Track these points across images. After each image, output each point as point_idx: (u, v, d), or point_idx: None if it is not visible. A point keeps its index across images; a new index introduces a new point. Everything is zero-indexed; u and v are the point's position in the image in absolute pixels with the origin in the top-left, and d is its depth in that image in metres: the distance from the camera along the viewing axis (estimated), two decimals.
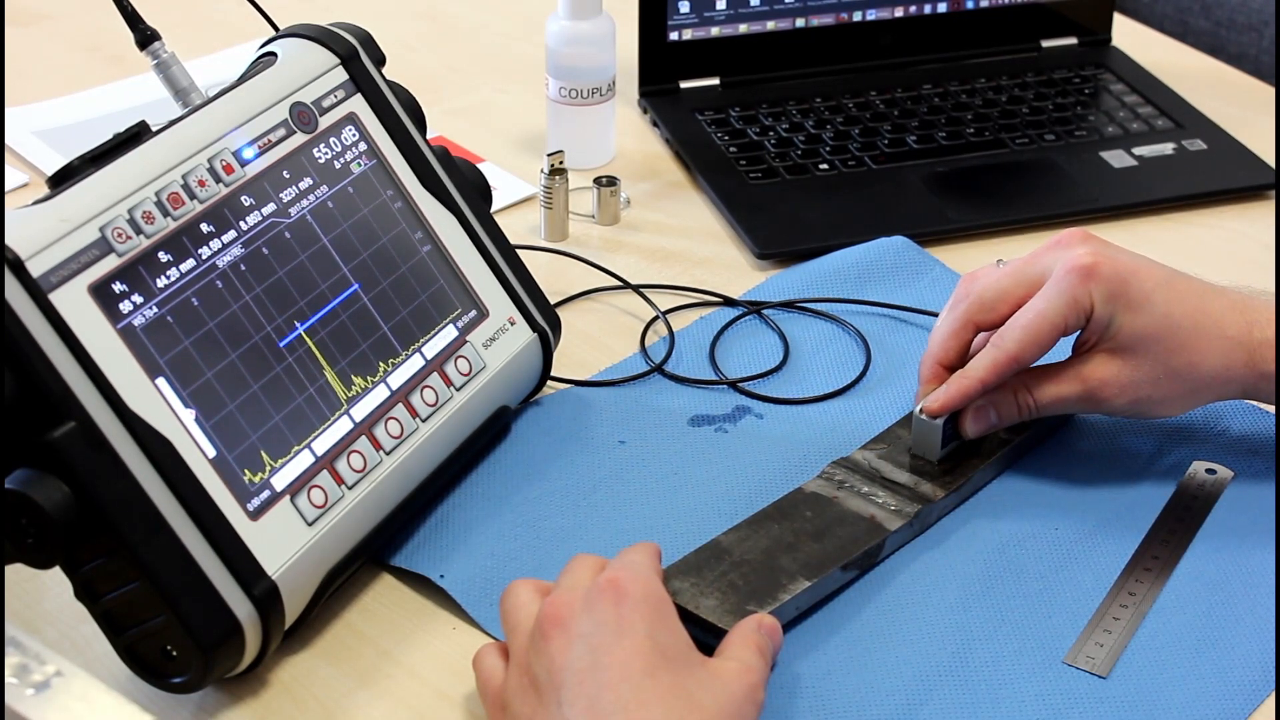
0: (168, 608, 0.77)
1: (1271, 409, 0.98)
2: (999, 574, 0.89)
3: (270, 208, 0.87)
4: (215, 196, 0.85)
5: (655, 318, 1.10)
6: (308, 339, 0.86)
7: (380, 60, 0.96)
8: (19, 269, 0.75)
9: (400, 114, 0.96)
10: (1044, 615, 0.86)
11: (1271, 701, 0.82)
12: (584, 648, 0.74)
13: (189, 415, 0.79)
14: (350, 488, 0.85)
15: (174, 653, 0.78)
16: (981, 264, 0.98)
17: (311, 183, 0.90)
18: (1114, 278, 0.89)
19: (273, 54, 0.93)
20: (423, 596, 0.88)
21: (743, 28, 1.37)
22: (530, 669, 0.75)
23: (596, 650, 0.74)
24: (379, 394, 0.88)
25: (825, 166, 1.26)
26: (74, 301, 0.77)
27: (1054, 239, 0.93)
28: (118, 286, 0.79)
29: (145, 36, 0.96)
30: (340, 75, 0.93)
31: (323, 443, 0.85)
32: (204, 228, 0.84)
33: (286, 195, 0.88)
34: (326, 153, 0.91)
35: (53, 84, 1.39)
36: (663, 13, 1.34)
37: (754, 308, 1.10)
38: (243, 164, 0.87)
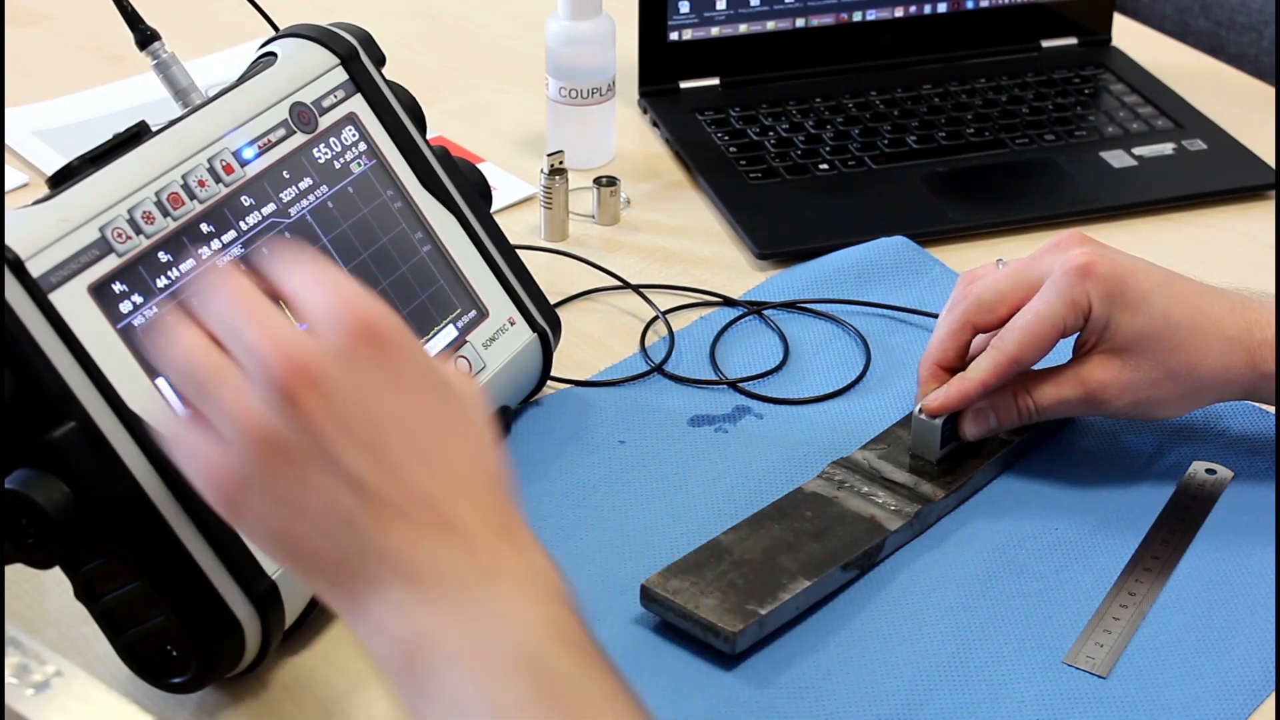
0: (168, 608, 0.77)
1: (1271, 409, 0.98)
2: (999, 574, 0.89)
3: (270, 208, 0.87)
4: (215, 196, 0.85)
5: (655, 318, 1.10)
6: None
7: (380, 60, 0.96)
8: (19, 269, 0.75)
9: (400, 114, 0.96)
10: (1044, 615, 0.86)
11: (1271, 701, 0.82)
12: (357, 414, 0.64)
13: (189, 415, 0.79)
14: None
15: (174, 653, 0.78)
16: (981, 264, 0.98)
17: (311, 183, 0.90)
18: (1111, 277, 0.89)
19: (272, 54, 0.93)
20: None
21: (743, 28, 1.37)
22: (277, 439, 0.63)
23: (370, 402, 0.64)
24: None
25: (825, 166, 1.26)
26: (74, 301, 0.77)
27: (1052, 241, 0.93)
28: (118, 286, 0.79)
29: (145, 36, 0.96)
30: (340, 75, 0.93)
31: None
32: (204, 228, 0.84)
33: (286, 195, 0.88)
34: (326, 153, 0.91)
35: (53, 84, 1.39)
36: (663, 13, 1.34)
37: (754, 308, 1.10)
38: (243, 164, 0.87)
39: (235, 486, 0.65)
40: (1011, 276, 0.92)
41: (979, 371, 0.91)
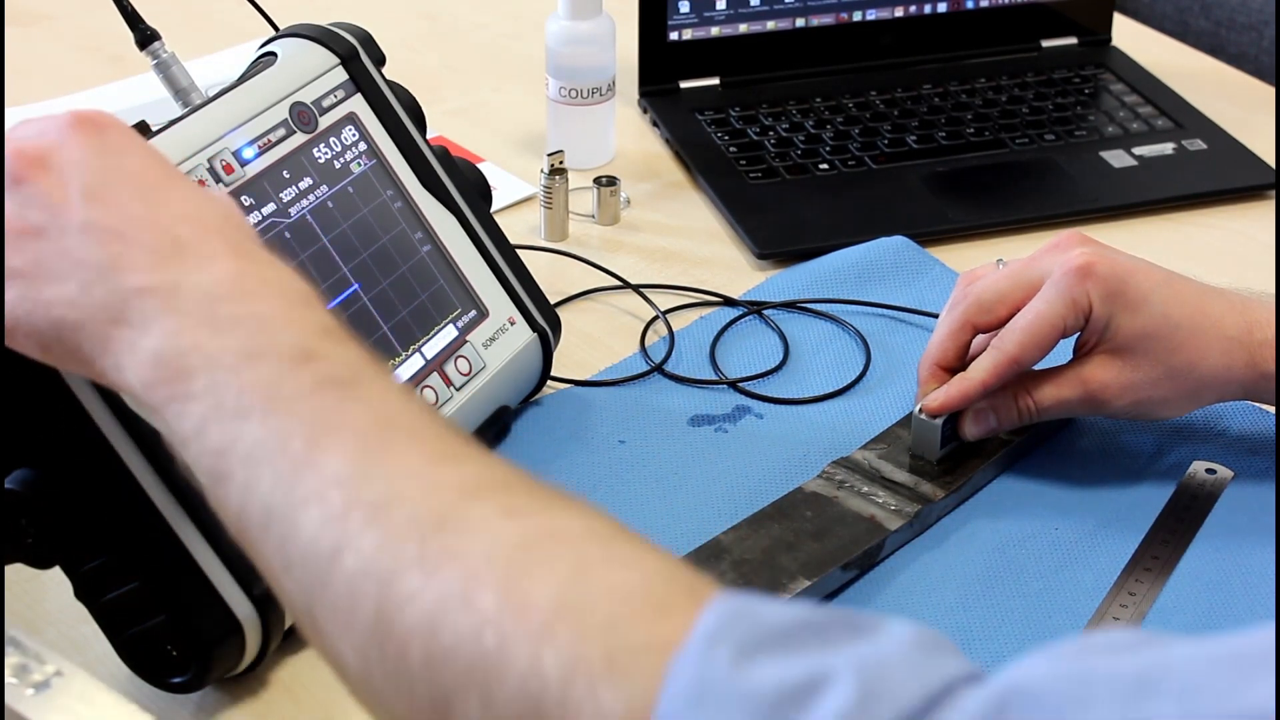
0: (168, 608, 0.77)
1: (1271, 409, 0.98)
2: (999, 574, 0.89)
3: (270, 208, 0.87)
4: None
5: (655, 318, 1.10)
6: None
7: (380, 60, 0.96)
8: None
9: (400, 114, 0.96)
10: (1044, 615, 0.86)
11: None
12: (81, 172, 0.67)
13: None
14: None
15: (174, 653, 0.78)
16: (981, 264, 0.98)
17: (311, 183, 0.90)
18: (1111, 277, 0.89)
19: (273, 54, 0.93)
20: None
21: (743, 28, 1.37)
22: (17, 220, 0.67)
23: (101, 169, 0.67)
24: None
25: (825, 166, 1.26)
26: None
27: (1051, 242, 0.93)
28: None
29: (145, 36, 0.96)
30: (340, 75, 0.93)
31: None
32: None
33: (286, 195, 0.88)
34: (326, 153, 0.91)
35: (53, 84, 1.39)
36: (663, 13, 1.34)
37: (754, 308, 1.10)
38: (243, 164, 0.87)
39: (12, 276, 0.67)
40: (1011, 277, 0.92)
41: (979, 372, 0.91)
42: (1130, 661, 0.49)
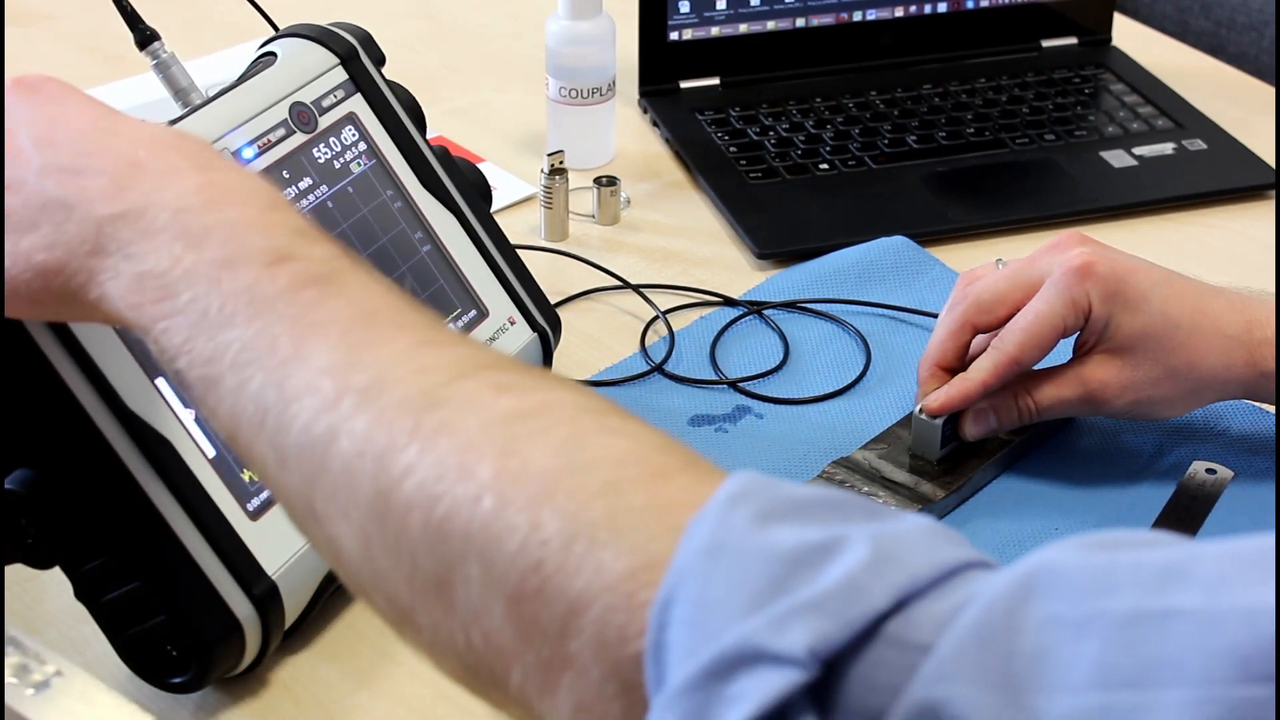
0: (168, 608, 0.77)
1: (1271, 409, 0.98)
2: None
3: None
4: None
5: (655, 318, 1.10)
6: None
7: (380, 60, 0.96)
8: None
9: (400, 114, 0.96)
10: None
11: None
12: (29, 124, 0.68)
13: (189, 415, 0.79)
14: None
15: (174, 653, 0.78)
16: (981, 264, 0.98)
17: (311, 183, 0.90)
18: (1111, 277, 0.89)
19: (272, 54, 0.93)
20: None
21: (743, 28, 1.37)
22: None
23: (48, 119, 0.69)
24: None
25: (825, 166, 1.26)
26: None
27: (1051, 242, 0.93)
28: None
29: (145, 36, 0.96)
30: (340, 75, 0.93)
31: None
32: None
33: (286, 195, 0.88)
34: (326, 153, 0.91)
35: None
36: (663, 13, 1.34)
37: (754, 308, 1.10)
38: (243, 164, 0.87)
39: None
40: (1011, 277, 0.92)
41: (979, 372, 0.91)
42: (1157, 554, 0.49)
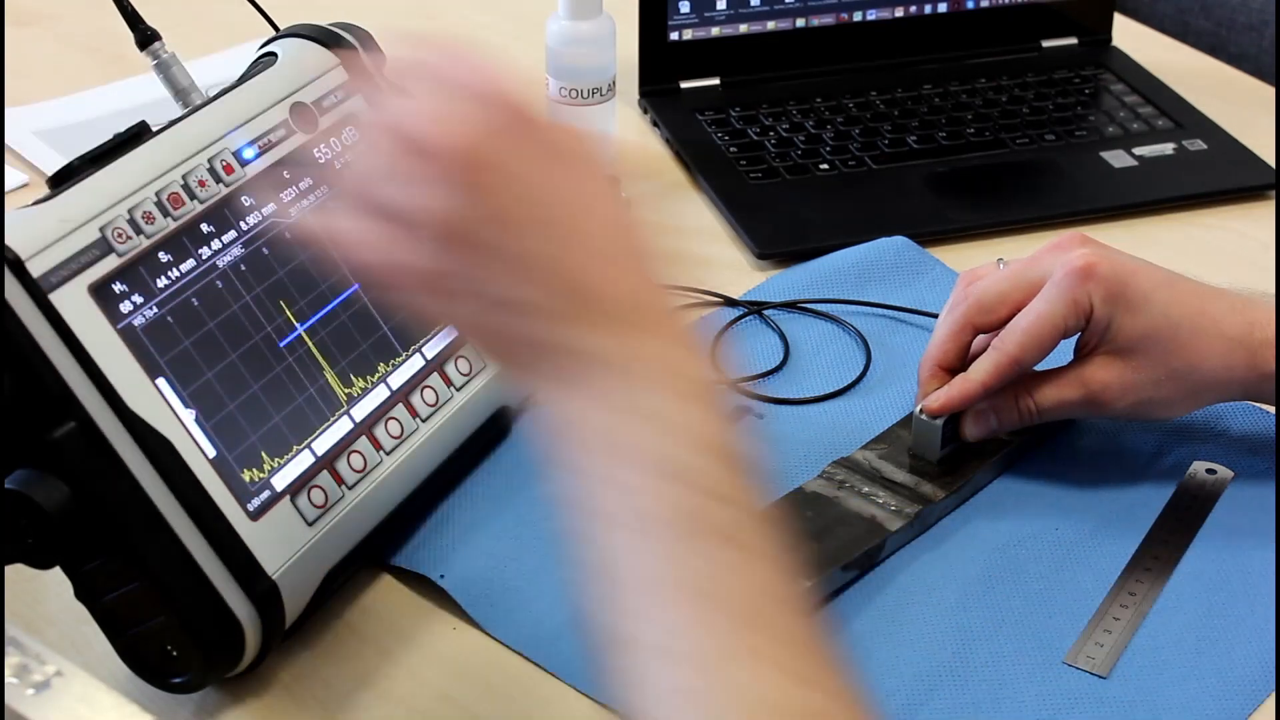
0: (168, 608, 0.77)
1: (1272, 409, 0.98)
2: (999, 574, 0.89)
3: (270, 208, 0.87)
4: (215, 196, 0.85)
5: None
6: (308, 339, 0.86)
7: (380, 60, 0.96)
8: (19, 269, 0.75)
9: None
10: (1044, 615, 0.86)
11: (1271, 701, 0.82)
12: (524, 186, 0.64)
13: (189, 415, 0.79)
14: (350, 488, 0.85)
15: (174, 653, 0.78)
16: (982, 264, 0.98)
17: (312, 183, 0.90)
18: (1112, 278, 0.89)
19: (273, 54, 0.93)
20: (423, 596, 0.88)
21: (743, 28, 1.36)
22: (459, 224, 0.63)
23: (528, 177, 0.64)
24: (379, 394, 0.88)
25: (825, 166, 1.26)
26: (74, 301, 0.77)
27: (1052, 242, 0.93)
28: (118, 286, 0.79)
29: (145, 36, 0.96)
30: (340, 75, 0.93)
31: (323, 443, 0.85)
32: (204, 228, 0.84)
33: (287, 195, 0.88)
34: (326, 153, 0.91)
35: (53, 84, 1.39)
36: (663, 13, 1.34)
37: (754, 308, 1.10)
38: (243, 164, 0.87)
39: (425, 279, 0.65)
40: (1012, 277, 0.92)
41: (980, 372, 0.91)
42: None
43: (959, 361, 0.94)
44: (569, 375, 0.64)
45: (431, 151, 0.63)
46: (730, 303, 1.11)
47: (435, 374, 0.91)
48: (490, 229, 0.63)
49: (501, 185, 0.63)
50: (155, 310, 0.80)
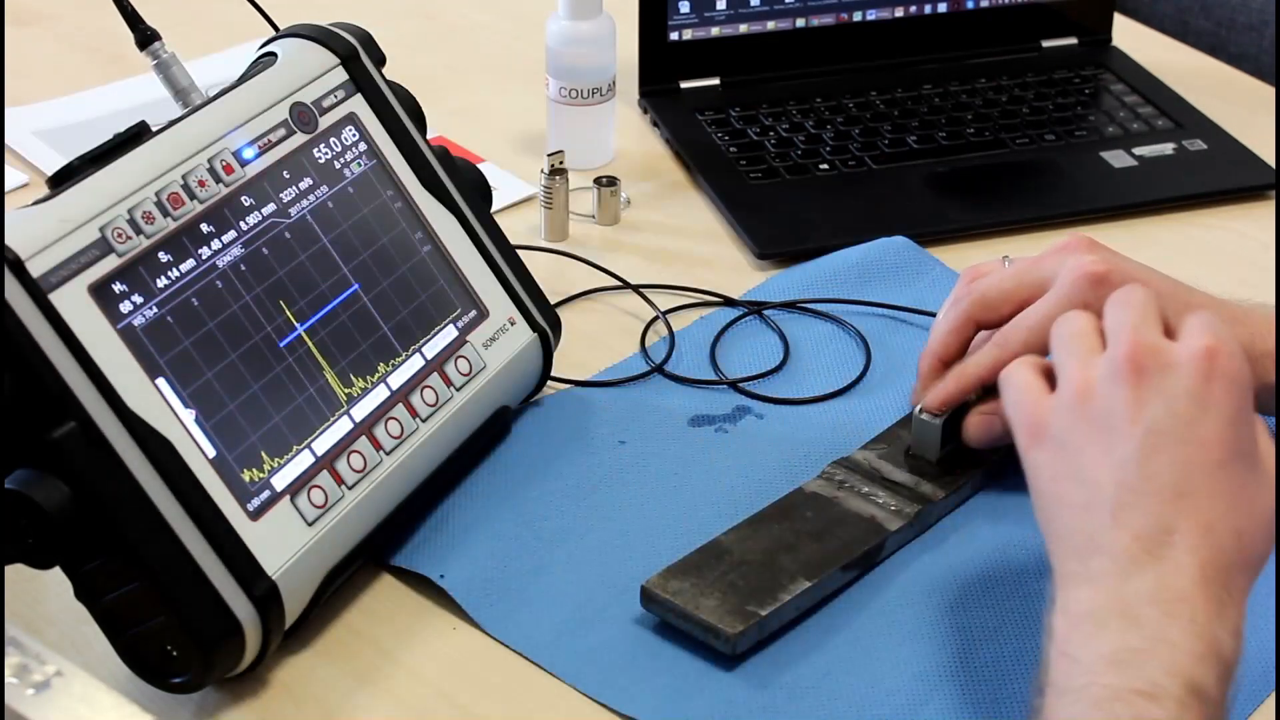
0: (168, 608, 0.77)
1: (1272, 419, 0.97)
2: (999, 574, 0.89)
3: (270, 208, 0.87)
4: (215, 196, 0.85)
5: (655, 318, 1.10)
6: (308, 339, 0.86)
7: (380, 60, 0.96)
8: (19, 269, 0.75)
9: (400, 114, 0.96)
10: (1044, 615, 0.86)
11: (1271, 701, 0.82)
12: (1163, 410, 0.72)
13: (189, 415, 0.79)
14: (350, 488, 0.85)
15: (174, 653, 0.78)
16: (985, 261, 0.97)
17: (311, 183, 0.90)
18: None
19: (273, 54, 0.93)
20: (423, 596, 0.88)
21: (743, 28, 1.37)
22: (1094, 400, 0.74)
23: (1176, 418, 0.72)
24: (379, 394, 0.88)
25: (825, 166, 1.26)
26: (74, 301, 0.77)
27: (1059, 244, 0.92)
28: (118, 286, 0.79)
29: (145, 36, 0.96)
30: (340, 75, 0.93)
31: (323, 443, 0.85)
32: (204, 228, 0.84)
33: (286, 195, 0.88)
34: (326, 153, 0.91)
35: (53, 84, 1.39)
36: (663, 13, 1.34)
37: (754, 308, 1.10)
38: (243, 164, 0.87)
39: (1038, 427, 0.76)
40: (1017, 276, 0.92)
41: (978, 366, 0.91)
42: None
43: (959, 356, 0.94)
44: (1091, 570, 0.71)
45: (1123, 343, 0.75)
46: (730, 303, 1.11)
47: (435, 374, 0.91)
48: (1114, 420, 0.74)
49: (1144, 393, 0.74)
50: (155, 310, 0.80)
